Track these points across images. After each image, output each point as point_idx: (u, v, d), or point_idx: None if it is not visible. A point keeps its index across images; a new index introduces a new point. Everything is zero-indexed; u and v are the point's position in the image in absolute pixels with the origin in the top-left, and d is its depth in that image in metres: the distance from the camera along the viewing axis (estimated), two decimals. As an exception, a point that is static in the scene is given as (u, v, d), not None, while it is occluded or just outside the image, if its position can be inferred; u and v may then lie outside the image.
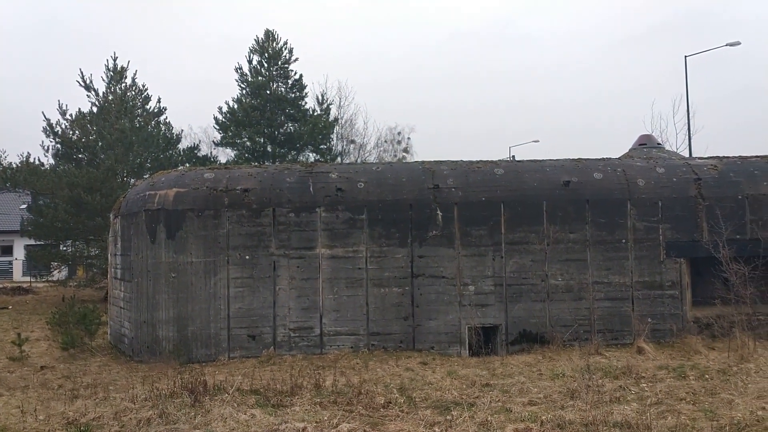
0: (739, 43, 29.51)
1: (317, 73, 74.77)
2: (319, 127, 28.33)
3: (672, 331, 11.74)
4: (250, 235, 11.74)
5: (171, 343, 11.55)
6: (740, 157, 12.91)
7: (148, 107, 26.79)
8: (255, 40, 29.82)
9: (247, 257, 11.70)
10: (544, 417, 6.68)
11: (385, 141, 41.79)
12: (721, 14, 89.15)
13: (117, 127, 23.37)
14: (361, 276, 11.75)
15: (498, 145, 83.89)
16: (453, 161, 12.74)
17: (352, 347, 11.60)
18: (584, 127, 71.12)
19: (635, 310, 11.82)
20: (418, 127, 77.75)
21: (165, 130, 26.22)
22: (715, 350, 10.57)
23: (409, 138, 44.07)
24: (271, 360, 11.10)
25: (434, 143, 65.51)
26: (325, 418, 7.06)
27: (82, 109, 24.73)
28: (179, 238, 11.71)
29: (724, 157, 13.07)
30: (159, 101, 26.86)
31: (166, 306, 11.67)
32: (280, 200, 11.84)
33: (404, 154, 43.24)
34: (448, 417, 6.97)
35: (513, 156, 44.26)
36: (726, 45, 29.59)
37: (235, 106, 28.91)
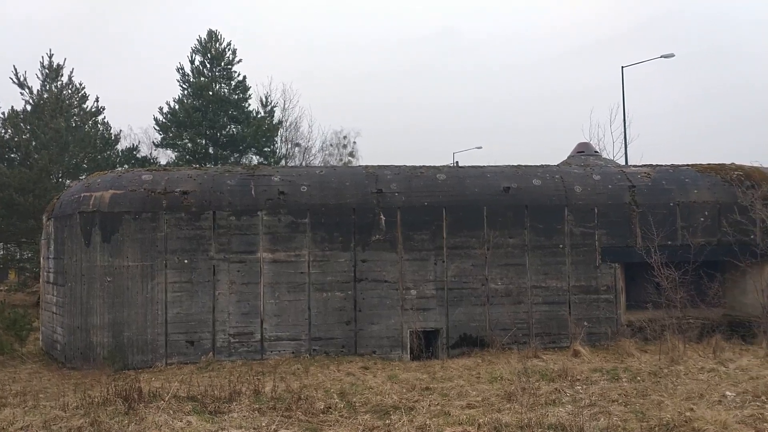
0: (673, 55, 30.63)
1: (262, 74, 74.07)
2: (262, 130, 28.07)
3: (607, 334, 12.07)
4: (189, 239, 11.52)
5: (105, 349, 11.22)
6: (672, 166, 13.39)
7: (85, 106, 26.05)
8: (197, 40, 29.35)
9: (186, 261, 11.47)
10: (481, 420, 6.76)
11: (331, 145, 41.75)
12: (665, 28, 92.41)
13: (52, 127, 22.62)
14: (304, 280, 11.67)
15: (443, 151, 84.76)
16: (396, 166, 12.81)
17: (293, 352, 11.51)
18: (527, 132, 72.55)
19: (572, 314, 12.11)
20: (364, 132, 77.72)
21: (103, 130, 25.56)
22: (648, 353, 10.90)
23: (355, 142, 44.18)
24: (210, 366, 10.92)
25: (380, 148, 65.66)
26: (264, 424, 6.97)
27: (15, 107, 23.86)
28: (115, 241, 11.40)
29: (657, 165, 13.53)
30: (97, 100, 26.17)
31: (101, 311, 11.34)
32: (220, 203, 11.66)
33: (350, 158, 43.28)
34: (387, 421, 6.99)
35: (457, 161, 44.76)
36: (661, 57, 30.68)
37: (177, 107, 28.36)
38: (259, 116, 29.35)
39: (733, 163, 13.44)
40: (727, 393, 7.79)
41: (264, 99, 31.08)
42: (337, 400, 8.01)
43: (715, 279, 11.97)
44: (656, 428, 6.38)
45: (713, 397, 7.64)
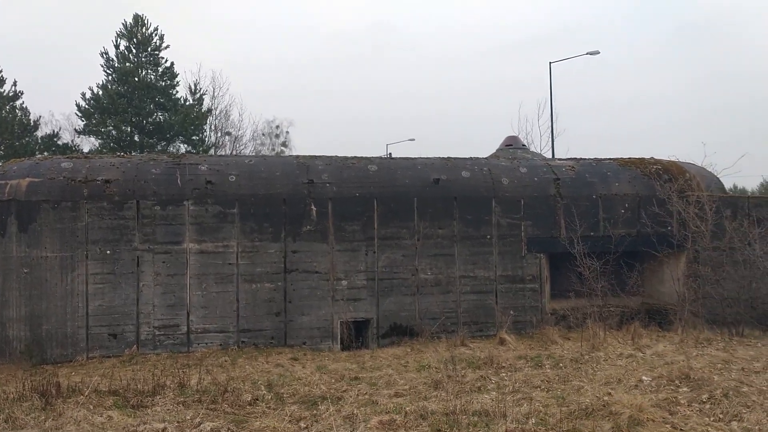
0: (598, 52, 31.66)
1: (190, 61, 72.20)
2: (191, 118, 27.48)
3: (532, 322, 12.39)
4: (111, 229, 11.14)
5: (22, 343, 10.75)
6: (595, 159, 13.83)
7: (1, 90, 24.80)
8: (123, 24, 28.41)
9: (109, 252, 11.10)
10: (408, 408, 6.82)
11: (263, 134, 41.15)
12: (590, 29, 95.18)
13: (-36, 110, 21.44)
14: (232, 271, 11.48)
15: (376, 143, 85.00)
16: (328, 156, 12.74)
17: (221, 345, 11.32)
18: (459, 125, 73.61)
19: (499, 303, 12.37)
20: (298, 122, 77.03)
21: (21, 115, 24.44)
22: (570, 340, 11.25)
23: (287, 132, 43.69)
24: (134, 359, 10.62)
25: (314, 139, 65.28)
26: (188, 417, 6.84)
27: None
28: (32, 231, 10.91)
29: (581, 158, 13.95)
30: (15, 84, 24.97)
31: (17, 303, 10.84)
32: (144, 192, 11.33)
33: (283, 148, 42.81)
34: (314, 412, 6.97)
35: (390, 153, 44.95)
36: (587, 54, 31.62)
37: (100, 93, 27.38)
38: (187, 104, 28.71)
39: (652, 158, 13.99)
40: (644, 378, 8.12)
41: (193, 86, 30.44)
42: (264, 392, 7.94)
43: (634, 269, 12.45)
44: (576, 412, 6.59)
45: (630, 381, 7.95)
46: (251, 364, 9.99)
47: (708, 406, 6.86)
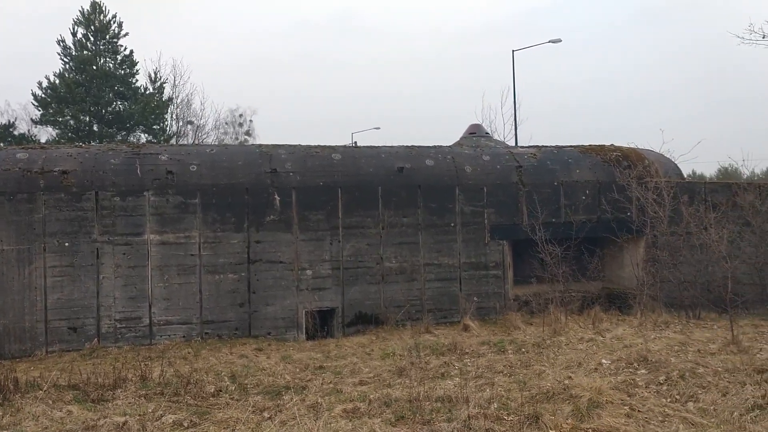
0: (560, 41, 31.92)
1: (150, 49, 70.83)
2: (151, 107, 27.03)
3: (495, 308, 12.53)
4: (70, 221, 10.92)
5: (-23, 340, 10.50)
6: (556, 147, 13.99)
7: (-48, 79, 24.04)
8: (80, 11, 27.72)
9: (67, 244, 10.88)
10: (372, 396, 6.85)
11: (226, 123, 40.65)
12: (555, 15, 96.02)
13: None
14: (194, 262, 11.36)
15: (342, 132, 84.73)
16: (291, 145, 12.65)
17: (184, 337, 11.21)
18: (423, 116, 73.75)
19: (462, 290, 12.47)
20: (261, 111, 76.35)
21: (-26, 105, 23.68)
22: (533, 325, 11.40)
23: (251, 121, 43.25)
24: (95, 353, 10.45)
25: (279, 127, 64.75)
26: (150, 410, 6.76)
27: None
28: (-14, 224, 10.63)
29: (543, 146, 14.09)
30: (-34, 73, 24.19)
31: (-28, 299, 10.57)
32: (103, 183, 11.12)
33: (246, 137, 42.39)
34: (278, 402, 6.96)
35: (355, 142, 44.82)
36: (549, 42, 31.88)
37: (57, 82, 26.73)
38: (147, 92, 28.18)
39: (612, 145, 14.21)
40: (603, 361, 8.27)
41: (153, 74, 29.89)
42: (228, 383, 7.90)
43: (595, 254, 12.66)
44: (537, 396, 6.69)
45: (590, 365, 8.09)
46: (215, 356, 9.92)
47: (665, 388, 7.02)
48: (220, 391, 7.55)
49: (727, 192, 13.19)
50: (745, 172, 15.06)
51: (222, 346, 10.61)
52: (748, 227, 12.25)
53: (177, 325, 11.24)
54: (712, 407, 6.39)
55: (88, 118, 26.75)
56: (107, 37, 27.56)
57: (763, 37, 14.64)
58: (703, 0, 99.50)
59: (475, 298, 12.44)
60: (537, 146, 14.14)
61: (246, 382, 8.00)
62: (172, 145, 20.95)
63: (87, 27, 27.36)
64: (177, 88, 33.61)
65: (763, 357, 8.07)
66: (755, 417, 6.09)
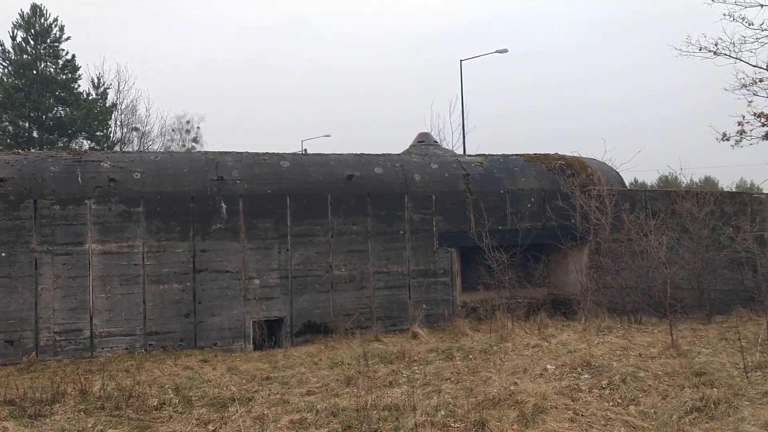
0: (506, 50, 32.48)
1: (93, 54, 69.15)
2: (94, 113, 26.36)
3: (444, 315, 12.61)
4: (6, 230, 10.52)
5: None
6: (503, 155, 14.20)
7: None
8: (20, 14, 26.86)
9: (3, 254, 10.48)
10: (319, 406, 6.80)
11: (173, 130, 39.98)
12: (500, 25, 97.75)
13: None
14: (138, 272, 11.08)
15: (292, 139, 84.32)
16: (239, 152, 12.50)
17: (127, 349, 10.92)
18: (372, 123, 74.01)
19: (412, 297, 12.51)
20: (209, 117, 75.26)
21: None
22: (480, 332, 11.50)
23: (198, 127, 42.70)
24: (33, 367, 10.06)
25: (227, 134, 64.04)
26: (89, 425, 6.56)
27: None
28: None
29: (489, 154, 14.29)
30: None
31: None
32: (42, 191, 10.76)
33: (194, 143, 41.80)
34: (223, 414, 6.84)
35: (305, 149, 44.58)
36: (496, 51, 32.40)
37: (-5, 86, 25.82)
38: (90, 98, 27.46)
39: (556, 153, 14.50)
40: (548, 366, 8.41)
41: (96, 80, 29.15)
42: (171, 396, 7.72)
43: (540, 261, 12.88)
44: (483, 403, 6.75)
45: (536, 370, 8.22)
46: (159, 368, 9.68)
47: (607, 392, 7.18)
48: (164, 404, 7.37)
49: (667, 200, 13.61)
50: (684, 181, 15.57)
51: (166, 358, 10.37)
52: (686, 234, 12.64)
53: (119, 336, 10.94)
54: (652, 410, 6.57)
55: (27, 124, 25.90)
56: (48, 41, 26.79)
57: (700, 50, 15.19)
58: (648, 20, 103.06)
59: (424, 306, 12.50)
60: (484, 155, 14.32)
61: (190, 394, 7.83)
62: (115, 152, 20.47)
63: (27, 30, 26.54)
64: (121, 94, 32.86)
65: (700, 360, 8.34)
66: (693, 419, 6.29)
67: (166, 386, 8.30)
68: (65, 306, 10.69)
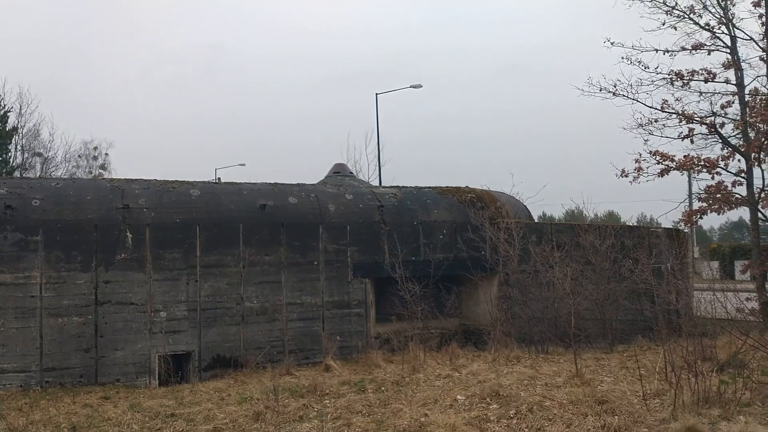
0: (420, 86, 33.24)
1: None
2: (-7, 136, 24.95)
3: (358, 347, 12.55)
4: None
5: None
6: (416, 188, 14.43)
7: None
8: None
9: None
10: (226, 443, 6.59)
11: (79, 156, 38.39)
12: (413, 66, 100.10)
13: None
14: (35, 305, 10.48)
15: (205, 167, 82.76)
16: (146, 180, 12.13)
17: (21, 386, 10.24)
18: (288, 152, 73.76)
19: (325, 329, 12.40)
20: (119, 143, 72.75)
21: None
22: (393, 363, 11.50)
23: (107, 154, 41.20)
24: None
25: (138, 162, 62.11)
26: (-27, 472, 6.08)
27: None
28: None
29: (403, 186, 14.49)
30: None
31: None
32: (-71, 218, 10.05)
33: (101, 170, 40.25)
34: (123, 455, 6.50)
35: (219, 178, 43.80)
36: (410, 87, 33.10)
37: None
38: (-11, 120, 26.03)
39: (467, 186, 14.87)
40: (459, 397, 8.49)
41: (-6, 102, 27.66)
42: (67, 436, 7.28)
43: (452, 291, 13.08)
44: (393, 435, 6.73)
45: (446, 401, 8.26)
46: (55, 406, 9.11)
47: (515, 421, 7.30)
48: (58, 445, 6.93)
49: (571, 233, 14.17)
50: (589, 215, 16.35)
51: (64, 396, 9.78)
52: (590, 266, 13.17)
53: (13, 373, 10.26)
54: (556, 438, 6.72)
55: None
56: (-57, 59, 25.32)
57: (600, 90, 16.01)
58: (552, 63, 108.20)
59: (338, 338, 12.40)
60: (398, 187, 14.51)
61: (88, 434, 7.41)
62: (12, 178, 19.40)
63: None
64: (23, 118, 31.21)
65: (603, 389, 8.64)
66: (595, 446, 6.48)
67: (63, 426, 7.83)
68: (-49, 341, 9.95)
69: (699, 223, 18.32)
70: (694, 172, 17.52)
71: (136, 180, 12.03)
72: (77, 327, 10.68)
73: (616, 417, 7.06)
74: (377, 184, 22.95)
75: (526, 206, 15.33)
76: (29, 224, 10.56)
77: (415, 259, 13.20)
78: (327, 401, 8.63)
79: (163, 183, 12.11)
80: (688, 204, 20.44)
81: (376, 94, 31.90)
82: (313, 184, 13.94)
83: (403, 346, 11.95)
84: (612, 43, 15.81)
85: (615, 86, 15.87)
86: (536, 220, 16.91)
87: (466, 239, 13.58)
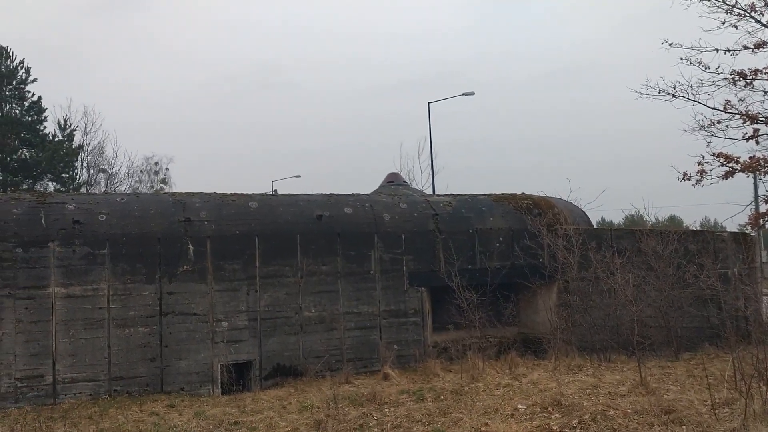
0: (473, 93, 33.14)
1: (60, 95, 68.64)
2: (60, 154, 26.04)
3: (415, 356, 12.52)
4: (-35, 274, 10.25)
5: None
6: (470, 195, 14.36)
7: None
8: (-15, 55, 26.67)
9: (-38, 299, 10.19)
10: (289, 451, 6.67)
11: (141, 171, 39.65)
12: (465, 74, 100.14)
13: None
14: (103, 316, 10.85)
15: (262, 181, 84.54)
16: (206, 193, 12.44)
17: (91, 395, 10.61)
18: (344, 166, 74.50)
19: (383, 338, 12.43)
20: (178, 158, 74.90)
21: None
22: (452, 372, 11.45)
23: (167, 168, 42.42)
24: (-9, 416, 9.72)
25: (197, 175, 63.78)
26: (49, 477, 6.33)
27: None
28: None
29: (458, 194, 14.43)
30: None
31: None
32: (4, 234, 10.54)
33: (162, 185, 41.45)
34: (190, 461, 6.66)
35: (275, 190, 44.58)
36: (463, 94, 33.02)
37: (-42, 127, 25.44)
38: (56, 140, 27.15)
39: (523, 193, 14.71)
40: (519, 406, 8.39)
41: (62, 121, 28.87)
42: (136, 444, 7.50)
43: (510, 300, 12.94)
44: (454, 444, 6.69)
45: (507, 410, 8.18)
46: (123, 414, 9.42)
47: (578, 431, 7.17)
48: (128, 452, 7.15)
49: (632, 238, 13.84)
50: (649, 219, 15.96)
51: (131, 404, 10.10)
52: (652, 272, 12.83)
53: (83, 382, 10.64)
54: (622, 448, 6.56)
55: (-9, 166, 25.54)
56: (14, 82, 26.58)
57: (659, 92, 15.66)
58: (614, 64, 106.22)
59: (395, 346, 12.41)
60: (452, 195, 14.46)
61: (156, 441, 7.62)
62: (80, 193, 20.18)
63: (-7, 72, 26.33)
64: (88, 136, 32.53)
65: (669, 398, 8.40)
66: (662, 456, 6.30)
67: (131, 433, 8.07)
68: (27, 351, 10.40)
69: (767, 226, 17.66)
70: (760, 174, 16.89)
71: (196, 193, 12.35)
72: (143, 337, 11.01)
73: (684, 427, 6.86)
74: (431, 193, 22.93)
75: (584, 212, 15.05)
76: (96, 238, 10.96)
77: (471, 268, 13.12)
78: (386, 410, 8.65)
79: (223, 196, 12.39)
80: (754, 207, 19.67)
81: (428, 102, 31.98)
82: (367, 194, 14.04)
83: (461, 355, 11.89)
84: (670, 44, 15.47)
85: (674, 88, 15.48)
86: (595, 226, 16.59)
87: (523, 246, 13.42)
